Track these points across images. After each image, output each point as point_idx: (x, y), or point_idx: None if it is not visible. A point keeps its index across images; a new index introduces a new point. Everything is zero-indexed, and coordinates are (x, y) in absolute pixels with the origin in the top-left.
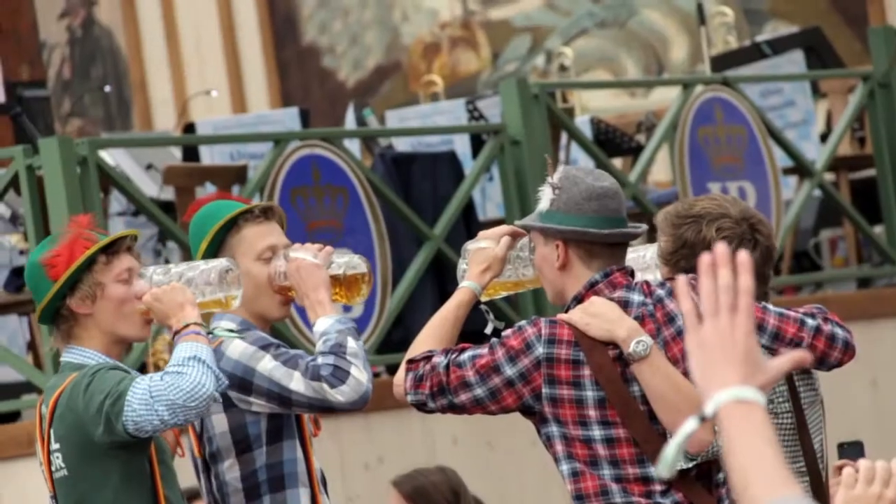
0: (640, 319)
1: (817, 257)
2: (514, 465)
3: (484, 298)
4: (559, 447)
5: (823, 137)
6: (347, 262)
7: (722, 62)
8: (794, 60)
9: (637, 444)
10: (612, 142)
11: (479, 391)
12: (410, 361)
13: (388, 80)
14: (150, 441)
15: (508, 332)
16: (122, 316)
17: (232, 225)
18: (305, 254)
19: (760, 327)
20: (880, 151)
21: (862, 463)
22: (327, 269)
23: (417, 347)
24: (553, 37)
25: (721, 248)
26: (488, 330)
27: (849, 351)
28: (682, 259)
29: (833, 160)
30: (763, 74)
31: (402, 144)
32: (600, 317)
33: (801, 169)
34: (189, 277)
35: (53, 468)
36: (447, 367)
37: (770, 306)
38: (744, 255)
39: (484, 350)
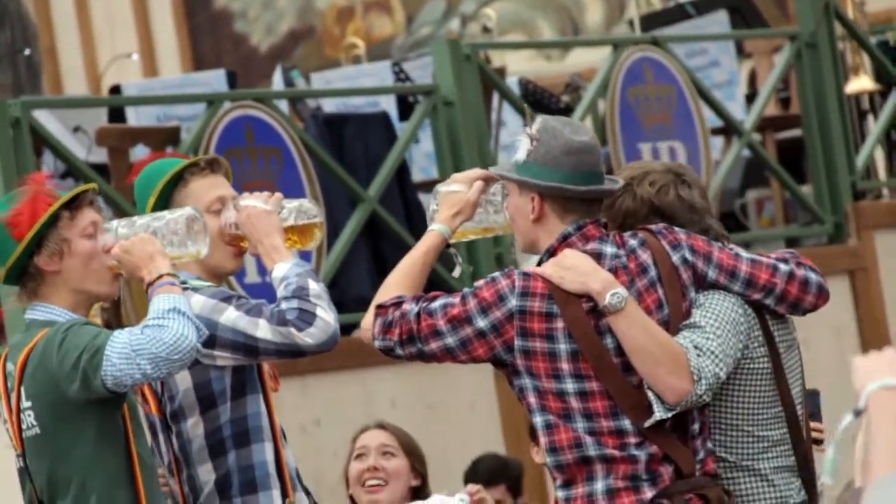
0: (614, 271)
1: (744, 218)
2: (454, 428)
3: (453, 241)
4: (532, 399)
5: (747, 98)
6: (298, 206)
7: (647, 22)
8: (719, 21)
9: (611, 397)
10: (540, 103)
11: (450, 340)
12: (379, 306)
13: (301, 45)
14: (124, 397)
15: (481, 282)
16: (91, 271)
17: (178, 179)
18: (255, 201)
19: (733, 274)
20: (808, 111)
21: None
22: (278, 214)
23: (386, 292)
24: (468, 0)
25: None
26: (456, 273)
27: (822, 295)
28: (632, 226)
29: (759, 120)
30: (693, 34)
31: (329, 107)
32: (574, 269)
33: (729, 129)
34: (155, 228)
35: (24, 426)
36: (418, 314)
37: (742, 252)
38: None
39: (455, 299)
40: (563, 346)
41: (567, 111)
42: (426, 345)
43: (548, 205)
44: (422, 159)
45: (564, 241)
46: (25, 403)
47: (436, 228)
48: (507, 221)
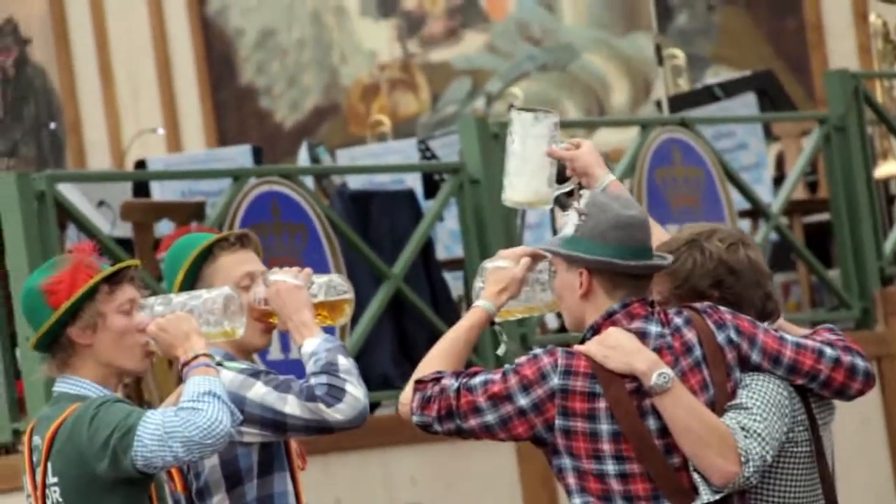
0: (658, 351)
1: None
2: None
3: (498, 320)
4: (571, 480)
5: (775, 181)
6: (328, 281)
7: (674, 104)
8: (747, 103)
9: (651, 480)
10: (567, 182)
11: (490, 418)
12: (419, 381)
13: (326, 122)
14: (151, 478)
15: (523, 359)
16: (123, 348)
17: (208, 254)
18: (285, 276)
19: (777, 360)
20: (836, 195)
21: None
22: (308, 290)
23: (426, 367)
24: (494, 80)
25: None
26: (500, 352)
27: (869, 381)
28: (698, 281)
29: (787, 204)
30: (721, 116)
31: (354, 184)
32: (618, 349)
33: (757, 212)
34: (192, 307)
35: (49, 502)
36: (458, 390)
37: (787, 336)
38: None
39: (497, 376)
40: (604, 427)
41: None
42: (465, 421)
43: (596, 280)
44: (446, 237)
45: (609, 317)
46: (52, 479)
47: (481, 305)
48: (553, 300)
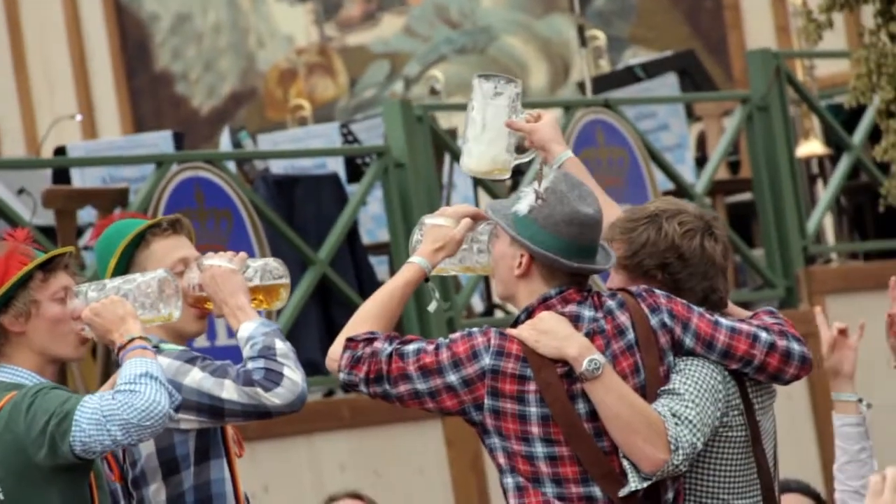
0: (591, 335)
1: None
2: (401, 493)
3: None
4: (502, 460)
5: (696, 161)
6: (263, 265)
7: (596, 85)
8: (668, 84)
9: (580, 463)
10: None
11: (420, 386)
12: (350, 339)
13: (243, 107)
14: (91, 464)
15: (457, 335)
16: (57, 335)
17: (140, 240)
18: (219, 260)
19: (710, 345)
20: (759, 175)
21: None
22: (243, 274)
23: (359, 323)
24: (411, 63)
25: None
26: (431, 308)
27: (805, 366)
28: (645, 258)
29: (710, 184)
30: (645, 97)
31: (276, 168)
32: (550, 334)
33: (680, 192)
34: (126, 291)
35: None
36: (390, 356)
37: (722, 320)
38: None
39: (430, 347)
40: (533, 410)
41: (517, 173)
42: (394, 387)
43: (536, 267)
44: (368, 222)
45: (544, 302)
46: None
47: (416, 261)
48: (489, 264)
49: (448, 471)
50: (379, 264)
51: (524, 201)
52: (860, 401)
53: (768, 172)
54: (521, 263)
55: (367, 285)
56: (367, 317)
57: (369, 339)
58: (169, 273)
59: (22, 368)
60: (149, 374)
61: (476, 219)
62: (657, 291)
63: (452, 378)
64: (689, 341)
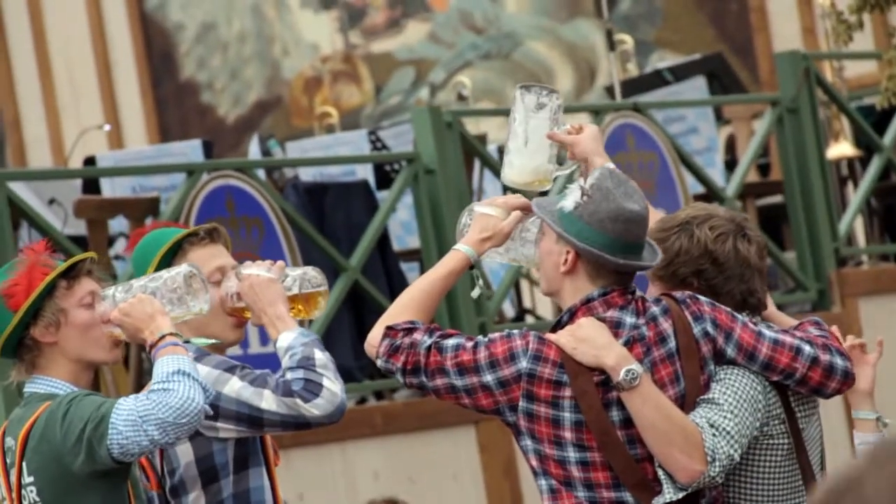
0: (630, 343)
1: None
2: (435, 499)
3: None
4: (534, 462)
5: (726, 164)
6: (302, 274)
7: (624, 89)
8: (697, 87)
9: (612, 469)
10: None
11: (457, 382)
12: (390, 328)
13: (268, 115)
14: (128, 472)
15: (497, 335)
16: (89, 340)
17: (177, 249)
18: (258, 269)
19: (752, 356)
20: (790, 177)
21: None
22: (282, 283)
23: (401, 311)
24: (437, 69)
25: None
26: (475, 294)
27: (848, 381)
28: (680, 267)
29: (740, 187)
30: (675, 100)
31: (305, 176)
32: (588, 342)
33: (711, 195)
34: (153, 288)
35: (25, 503)
36: (429, 348)
37: (766, 331)
38: None
39: (469, 344)
40: (567, 415)
41: None
42: (431, 380)
43: (581, 264)
44: (397, 228)
45: (587, 303)
46: (27, 479)
47: (462, 250)
48: (535, 256)
49: (482, 476)
50: (410, 271)
51: (570, 198)
52: (878, 419)
53: (799, 175)
54: (566, 260)
55: (399, 292)
56: (408, 304)
57: (409, 330)
58: (194, 267)
59: (56, 379)
60: (181, 372)
61: (526, 211)
62: (701, 299)
63: (489, 378)
64: (731, 351)
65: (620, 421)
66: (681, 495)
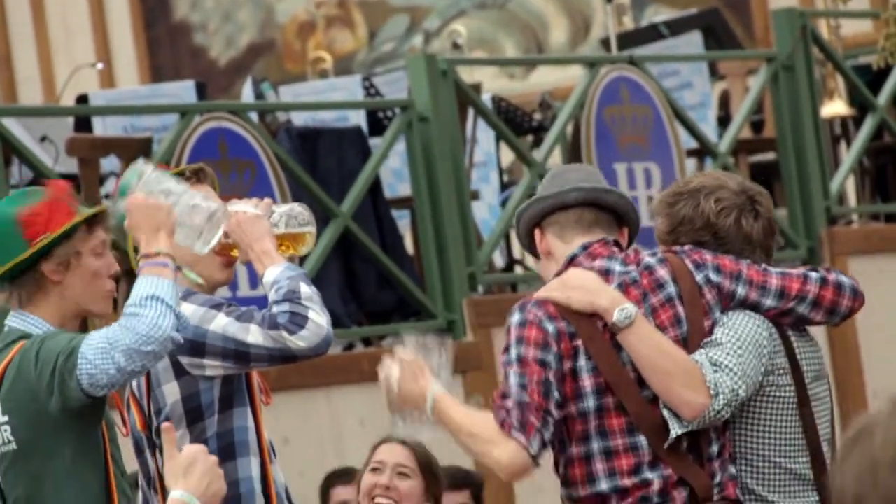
0: (623, 286)
1: None
2: None
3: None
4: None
5: (719, 120)
6: (289, 211)
7: (620, 42)
8: (693, 42)
9: (626, 413)
10: (512, 121)
11: (554, 411)
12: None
13: (261, 59)
14: (102, 412)
15: (513, 333)
16: (92, 289)
17: None
18: (245, 206)
19: (764, 288)
20: (783, 135)
21: None
22: (268, 219)
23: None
24: (431, 17)
25: None
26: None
27: (858, 298)
28: (682, 236)
29: (733, 143)
30: (671, 54)
31: (297, 121)
32: (580, 288)
33: (704, 151)
34: (182, 205)
35: (0, 441)
36: (508, 412)
37: (770, 268)
38: None
39: (512, 369)
40: (583, 363)
41: (539, 129)
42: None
43: (549, 235)
44: (389, 176)
45: (571, 262)
46: (2, 418)
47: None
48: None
49: None
50: (400, 218)
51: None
52: None
53: (792, 132)
54: (541, 243)
55: (389, 239)
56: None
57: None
58: (224, 212)
59: (42, 320)
60: (155, 297)
61: None
62: (701, 249)
63: (539, 355)
64: (741, 290)
65: (631, 362)
66: (686, 429)
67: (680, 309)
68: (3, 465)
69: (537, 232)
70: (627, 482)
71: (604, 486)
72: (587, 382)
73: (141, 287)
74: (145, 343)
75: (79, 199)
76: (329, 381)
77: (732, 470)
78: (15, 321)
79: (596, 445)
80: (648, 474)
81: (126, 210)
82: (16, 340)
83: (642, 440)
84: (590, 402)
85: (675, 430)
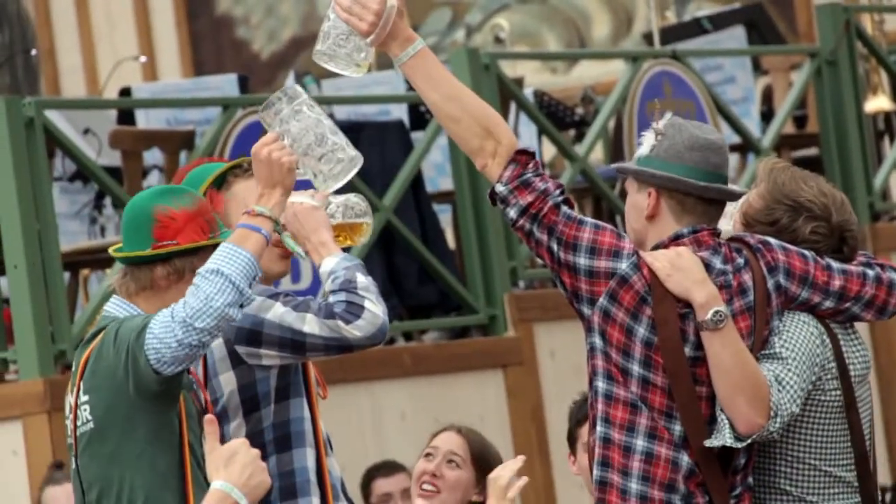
0: (718, 288)
1: None
2: None
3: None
4: (599, 362)
5: (762, 115)
6: (345, 201)
7: (662, 37)
8: (736, 36)
9: (671, 398)
10: (554, 115)
11: (553, 247)
12: (522, 153)
13: (303, 52)
14: (175, 395)
15: (607, 226)
16: None
17: (222, 182)
18: (301, 197)
19: (826, 291)
20: (826, 130)
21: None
22: (325, 210)
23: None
24: (473, 11)
25: None
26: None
27: None
28: (761, 224)
29: (776, 138)
30: (714, 49)
31: (339, 114)
32: (684, 272)
33: (747, 146)
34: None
35: (80, 422)
36: (556, 205)
37: (833, 263)
38: None
39: (577, 217)
40: (641, 331)
41: (581, 124)
42: (539, 232)
43: (665, 201)
44: (430, 170)
45: (676, 240)
46: (83, 398)
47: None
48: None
49: (508, 421)
50: (442, 212)
51: (645, 143)
52: None
53: (835, 128)
54: (649, 204)
55: (431, 233)
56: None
57: (539, 172)
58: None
59: (140, 311)
60: (219, 272)
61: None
62: (773, 244)
63: (581, 261)
64: (805, 293)
65: (692, 358)
66: (738, 445)
67: (752, 320)
68: (81, 446)
69: (653, 189)
70: (662, 452)
71: (639, 442)
72: (637, 348)
73: (214, 256)
74: (198, 317)
75: (216, 220)
76: (370, 376)
77: (750, 480)
78: (114, 308)
79: (640, 443)
80: (677, 453)
81: (252, 155)
82: (106, 323)
83: (677, 427)
84: (634, 367)
85: (726, 440)
